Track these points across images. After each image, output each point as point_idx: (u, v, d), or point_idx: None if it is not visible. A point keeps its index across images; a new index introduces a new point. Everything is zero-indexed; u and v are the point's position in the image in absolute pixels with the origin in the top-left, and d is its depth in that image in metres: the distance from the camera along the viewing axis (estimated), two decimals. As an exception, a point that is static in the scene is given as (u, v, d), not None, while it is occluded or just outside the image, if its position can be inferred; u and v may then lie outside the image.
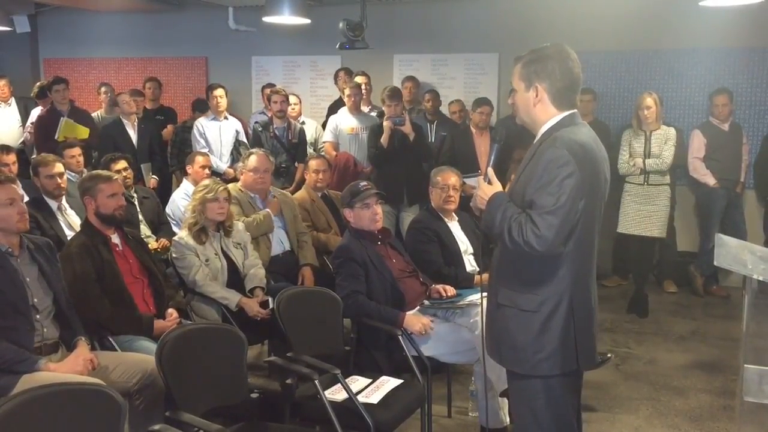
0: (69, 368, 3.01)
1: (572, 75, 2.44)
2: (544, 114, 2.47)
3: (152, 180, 6.38)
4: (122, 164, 5.23)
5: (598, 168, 2.43)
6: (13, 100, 7.88)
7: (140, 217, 5.17)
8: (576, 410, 2.63)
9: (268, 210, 4.77)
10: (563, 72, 2.42)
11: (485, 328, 2.69)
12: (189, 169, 5.59)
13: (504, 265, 2.55)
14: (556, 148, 2.35)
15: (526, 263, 2.43)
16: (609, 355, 4.28)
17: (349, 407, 3.02)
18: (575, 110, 2.49)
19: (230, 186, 4.83)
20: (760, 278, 2.71)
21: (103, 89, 8.05)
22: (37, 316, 3.10)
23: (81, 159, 5.60)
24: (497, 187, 2.50)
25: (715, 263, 2.91)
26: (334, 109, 7.14)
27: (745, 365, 2.72)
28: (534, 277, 2.44)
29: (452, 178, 4.47)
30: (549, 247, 2.32)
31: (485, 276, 2.87)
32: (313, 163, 5.41)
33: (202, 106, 7.29)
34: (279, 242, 4.82)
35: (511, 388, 2.63)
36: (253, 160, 4.88)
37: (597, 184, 2.43)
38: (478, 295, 3.36)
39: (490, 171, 2.55)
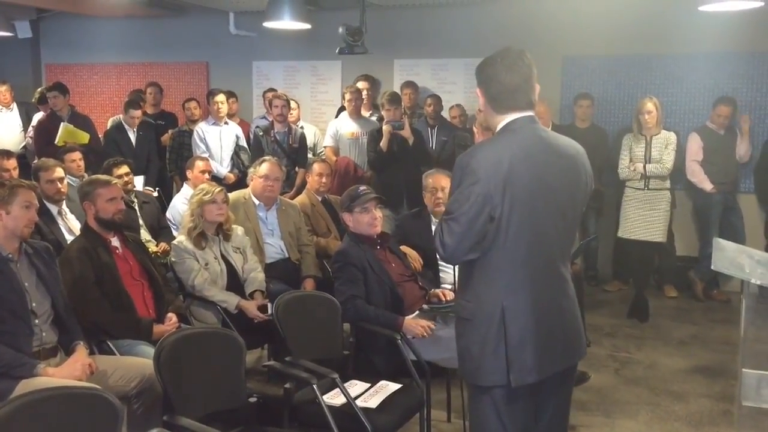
0: (67, 373, 3.01)
1: (513, 79, 2.35)
2: (492, 118, 2.45)
3: (146, 190, 6.28)
4: (124, 169, 5.24)
5: (518, 175, 2.28)
6: (14, 106, 7.93)
7: (140, 221, 5.18)
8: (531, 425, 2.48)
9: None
10: (501, 76, 2.36)
11: None
12: (189, 173, 5.59)
13: (459, 272, 2.53)
14: (465, 155, 2.34)
15: (462, 270, 2.43)
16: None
17: (348, 412, 3.02)
18: (521, 114, 2.38)
19: (234, 193, 4.84)
20: (758, 282, 2.71)
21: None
22: (36, 321, 3.11)
23: (81, 163, 5.62)
24: None
25: (712, 267, 2.91)
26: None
27: (744, 369, 2.71)
28: (468, 284, 2.41)
29: (442, 181, 4.46)
30: (452, 254, 2.31)
31: None
32: (316, 167, 5.39)
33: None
34: (278, 250, 4.80)
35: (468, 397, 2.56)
36: (264, 167, 4.86)
37: (529, 192, 2.30)
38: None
39: None
